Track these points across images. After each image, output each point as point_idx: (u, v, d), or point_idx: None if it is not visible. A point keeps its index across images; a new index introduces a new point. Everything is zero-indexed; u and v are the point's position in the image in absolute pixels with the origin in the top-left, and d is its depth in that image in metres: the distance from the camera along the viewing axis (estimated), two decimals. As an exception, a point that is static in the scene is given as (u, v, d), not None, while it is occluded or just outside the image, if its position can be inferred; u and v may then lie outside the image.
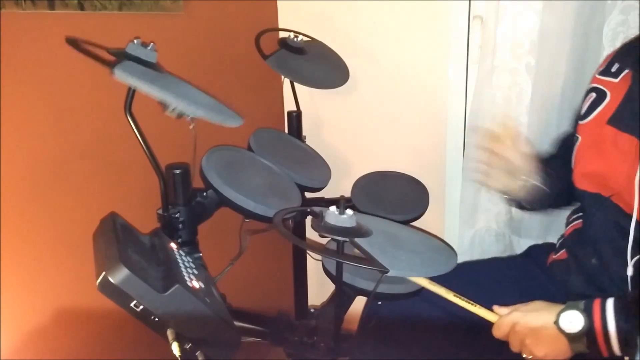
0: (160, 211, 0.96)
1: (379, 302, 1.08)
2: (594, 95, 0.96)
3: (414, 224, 1.31)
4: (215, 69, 1.34)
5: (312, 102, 1.67)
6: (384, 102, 1.62)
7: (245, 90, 1.50)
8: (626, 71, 0.91)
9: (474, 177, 1.00)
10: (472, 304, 0.88)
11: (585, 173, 0.96)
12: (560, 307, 0.81)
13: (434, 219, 1.55)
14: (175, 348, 0.69)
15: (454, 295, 0.88)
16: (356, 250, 0.79)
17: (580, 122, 0.98)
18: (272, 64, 1.34)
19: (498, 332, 0.86)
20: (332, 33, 1.57)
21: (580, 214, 1.03)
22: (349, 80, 1.52)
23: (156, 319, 0.70)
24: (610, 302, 0.79)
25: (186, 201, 0.97)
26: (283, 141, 1.42)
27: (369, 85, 1.61)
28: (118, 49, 0.87)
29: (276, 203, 1.01)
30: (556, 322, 0.80)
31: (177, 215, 0.96)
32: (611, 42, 1.34)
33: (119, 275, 0.66)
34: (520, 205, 1.09)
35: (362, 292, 0.94)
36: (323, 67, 1.49)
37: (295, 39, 1.42)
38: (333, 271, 0.88)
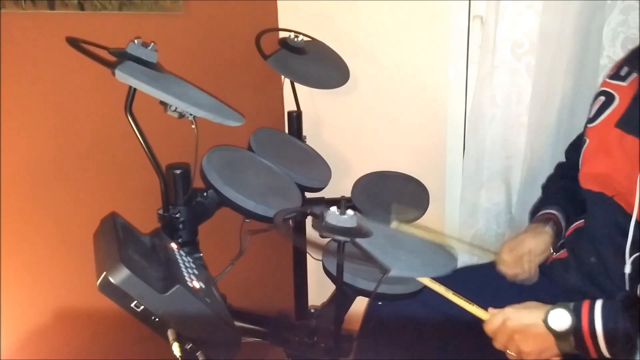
0: (160, 211, 0.96)
1: (379, 303, 1.08)
2: (603, 98, 0.97)
3: (414, 224, 1.31)
4: (215, 69, 1.34)
5: (312, 102, 1.67)
6: (384, 102, 1.62)
7: (245, 90, 1.50)
8: (634, 75, 0.92)
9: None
10: (470, 303, 0.88)
11: (591, 174, 0.97)
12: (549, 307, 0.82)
13: (434, 219, 1.55)
14: (175, 348, 0.69)
15: (453, 294, 0.88)
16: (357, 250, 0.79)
17: (589, 125, 0.99)
18: (272, 64, 1.34)
19: (489, 326, 0.87)
20: (332, 33, 1.57)
21: (582, 214, 1.04)
22: (349, 80, 1.52)
23: (157, 319, 0.70)
24: (599, 303, 0.79)
25: (186, 201, 0.97)
26: (283, 141, 1.42)
27: (369, 85, 1.61)
28: (119, 49, 0.87)
29: (276, 203, 1.01)
30: (544, 320, 0.81)
31: (177, 216, 0.96)
32: (611, 42, 1.35)
33: (120, 276, 0.66)
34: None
35: (363, 292, 0.94)
36: (323, 67, 1.49)
37: (295, 39, 1.42)
38: (333, 271, 0.88)
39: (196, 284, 0.77)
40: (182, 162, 0.97)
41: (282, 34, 1.50)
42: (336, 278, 0.86)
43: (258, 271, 1.64)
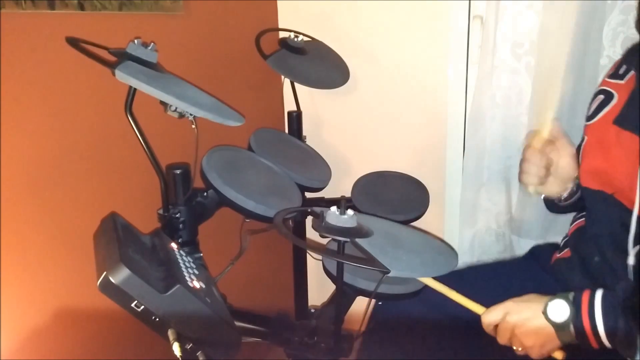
0: (160, 211, 0.96)
1: (380, 303, 1.08)
2: (601, 97, 0.97)
3: (414, 224, 1.31)
4: (215, 69, 1.34)
5: (312, 102, 1.67)
6: (384, 102, 1.62)
7: (245, 90, 1.50)
8: (632, 72, 0.92)
9: (524, 180, 1.02)
10: (469, 301, 0.88)
11: (590, 170, 0.97)
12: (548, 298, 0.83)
13: (434, 219, 1.55)
14: (176, 348, 0.69)
15: (452, 292, 0.88)
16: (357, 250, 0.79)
17: (587, 123, 0.99)
18: (272, 64, 1.34)
19: (486, 319, 0.87)
20: (332, 33, 1.57)
21: (584, 212, 1.04)
22: (349, 80, 1.52)
23: (157, 319, 0.70)
24: (599, 294, 0.80)
25: (186, 201, 0.97)
26: (283, 141, 1.42)
27: (369, 85, 1.62)
28: (118, 49, 0.87)
29: (276, 203, 1.01)
30: (544, 311, 0.81)
31: (177, 216, 0.96)
32: (611, 42, 1.35)
33: (120, 275, 0.66)
34: (553, 206, 1.10)
35: (363, 292, 0.94)
36: (323, 67, 1.49)
37: (295, 39, 1.42)
38: (333, 271, 0.88)
39: (196, 284, 0.77)
40: (182, 162, 0.97)
41: (282, 34, 1.50)
42: (336, 278, 0.86)
43: (258, 271, 1.64)
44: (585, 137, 0.99)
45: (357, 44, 1.59)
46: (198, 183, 0.99)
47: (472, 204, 1.54)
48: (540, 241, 1.34)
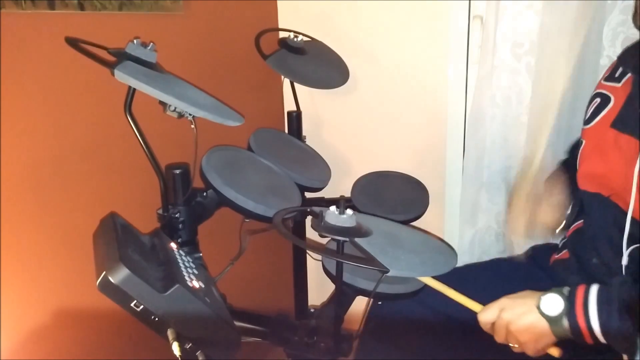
0: (160, 211, 0.96)
1: (379, 302, 1.08)
2: (598, 100, 0.97)
3: (414, 224, 1.31)
4: (215, 69, 1.34)
5: (312, 102, 1.67)
6: (384, 102, 1.62)
7: (245, 90, 1.50)
8: (628, 75, 0.92)
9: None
10: (469, 300, 0.88)
11: (587, 174, 0.97)
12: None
13: (434, 219, 1.55)
14: (175, 348, 0.69)
15: (450, 290, 0.88)
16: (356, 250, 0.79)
17: (585, 127, 0.99)
18: (272, 64, 1.34)
19: (482, 317, 0.87)
20: (332, 33, 1.57)
21: (580, 215, 1.04)
22: (349, 80, 1.52)
23: (156, 319, 0.70)
24: (594, 289, 0.80)
25: (186, 201, 0.97)
26: (283, 141, 1.42)
27: (369, 85, 1.62)
28: (118, 49, 0.87)
29: (276, 203, 1.01)
30: (538, 306, 0.81)
31: (177, 215, 0.96)
32: (611, 42, 1.35)
33: (119, 275, 0.66)
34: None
35: (362, 292, 0.94)
36: (323, 67, 1.49)
37: (295, 39, 1.42)
38: (333, 271, 0.88)
39: (196, 284, 0.77)
40: (181, 162, 0.97)
41: (282, 34, 1.50)
42: (336, 278, 0.86)
43: (258, 271, 1.64)
44: (583, 141, 0.99)
45: (357, 44, 1.59)
46: (198, 183, 0.99)
47: (472, 204, 1.54)
48: (540, 241, 1.34)
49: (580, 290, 0.81)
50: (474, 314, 0.89)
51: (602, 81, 1.00)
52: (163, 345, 0.71)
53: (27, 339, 0.85)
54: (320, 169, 1.38)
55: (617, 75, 0.96)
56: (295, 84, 1.51)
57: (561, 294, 0.81)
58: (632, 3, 1.27)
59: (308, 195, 1.31)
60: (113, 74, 0.80)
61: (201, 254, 0.99)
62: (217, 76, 1.35)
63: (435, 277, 0.89)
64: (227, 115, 0.93)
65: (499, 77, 1.45)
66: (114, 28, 0.99)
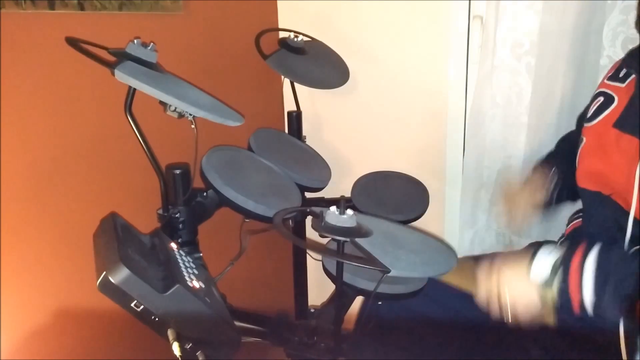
0: (160, 211, 0.96)
1: (379, 302, 1.08)
2: (601, 99, 0.97)
3: (414, 224, 1.31)
4: (215, 69, 1.34)
5: (312, 102, 1.67)
6: (384, 102, 1.62)
7: (245, 90, 1.50)
8: (633, 76, 0.92)
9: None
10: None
11: (588, 172, 0.97)
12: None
13: (434, 219, 1.55)
14: (175, 348, 0.69)
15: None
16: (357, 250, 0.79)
17: (586, 125, 0.99)
18: (272, 64, 1.34)
19: (483, 290, 0.88)
20: (332, 33, 1.57)
21: (581, 213, 1.04)
22: (349, 80, 1.52)
23: (156, 319, 0.70)
24: (591, 260, 0.80)
25: (186, 201, 0.97)
26: (283, 141, 1.42)
27: (369, 85, 1.61)
28: (118, 49, 0.87)
29: (276, 203, 1.01)
30: (533, 254, 0.83)
31: (177, 215, 0.96)
32: (611, 42, 1.35)
33: (120, 275, 0.66)
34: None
35: (363, 292, 0.94)
36: (323, 67, 1.49)
37: (295, 39, 1.42)
38: (333, 271, 0.88)
39: (196, 284, 0.77)
40: (182, 162, 0.97)
41: (282, 34, 1.50)
42: (336, 278, 0.86)
43: (258, 271, 1.64)
44: (584, 139, 0.99)
45: (357, 44, 1.59)
46: (198, 183, 0.99)
47: (472, 204, 1.54)
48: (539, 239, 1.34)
49: (576, 260, 0.81)
50: (474, 314, 0.89)
51: (606, 80, 1.00)
52: (163, 346, 0.71)
53: (27, 339, 0.85)
54: (320, 169, 1.38)
55: (621, 75, 0.96)
56: (295, 84, 1.51)
57: (554, 267, 0.81)
58: (632, 3, 1.27)
59: (308, 195, 1.31)
60: (113, 74, 0.80)
61: (201, 254, 0.99)
62: (217, 76, 1.35)
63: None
64: (227, 115, 0.93)
65: (499, 77, 1.45)
66: (114, 28, 0.99)
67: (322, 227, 0.79)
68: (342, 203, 0.80)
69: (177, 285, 0.71)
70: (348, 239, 0.79)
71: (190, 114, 0.87)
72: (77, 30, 0.89)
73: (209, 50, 1.31)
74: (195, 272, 0.81)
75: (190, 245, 0.99)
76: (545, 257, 0.83)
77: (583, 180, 0.99)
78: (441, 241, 1.01)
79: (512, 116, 1.48)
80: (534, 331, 0.86)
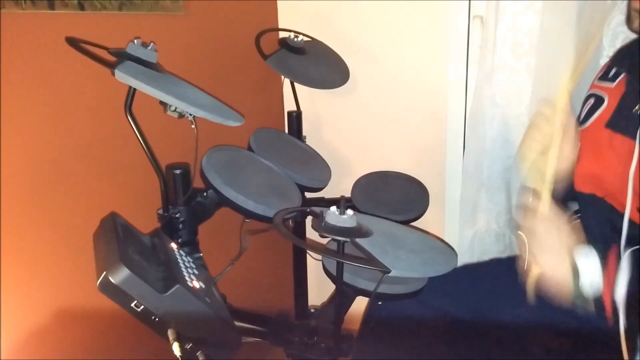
0: (160, 211, 0.96)
1: (379, 303, 1.08)
2: (592, 100, 0.97)
3: (414, 224, 1.31)
4: (215, 69, 1.34)
5: (312, 102, 1.67)
6: (384, 102, 1.62)
7: (245, 90, 1.50)
8: (622, 75, 0.92)
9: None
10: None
11: (582, 175, 0.97)
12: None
13: (434, 219, 1.55)
14: (175, 348, 0.69)
15: None
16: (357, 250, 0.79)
17: (579, 128, 0.99)
18: (272, 64, 1.34)
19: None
20: (332, 33, 1.57)
21: (578, 214, 1.04)
22: (349, 80, 1.52)
23: (157, 319, 0.70)
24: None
25: (186, 201, 0.97)
26: (283, 141, 1.42)
27: (369, 85, 1.62)
28: (118, 49, 0.87)
29: (276, 203, 1.01)
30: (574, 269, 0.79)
31: (177, 215, 0.96)
32: (611, 42, 1.35)
33: (120, 275, 0.66)
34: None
35: (363, 292, 0.94)
36: (323, 67, 1.49)
37: (295, 39, 1.42)
38: (333, 271, 0.88)
39: (196, 284, 0.77)
40: (182, 162, 0.97)
41: (282, 34, 1.50)
42: (336, 278, 0.86)
43: (258, 271, 1.64)
44: (578, 143, 0.99)
45: (357, 44, 1.59)
46: (198, 183, 0.99)
47: (472, 204, 1.54)
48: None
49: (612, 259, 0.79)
50: (474, 314, 0.89)
51: (596, 82, 1.00)
52: (163, 346, 0.71)
53: (27, 339, 0.85)
54: (320, 169, 1.38)
55: (610, 75, 0.96)
56: (295, 84, 1.51)
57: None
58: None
59: (308, 195, 1.31)
60: (113, 74, 0.80)
61: (201, 254, 0.99)
62: (217, 76, 1.35)
63: (436, 277, 0.89)
64: (227, 115, 0.93)
65: (499, 77, 1.45)
66: (114, 28, 0.99)
67: (323, 227, 0.79)
68: (342, 203, 0.80)
69: (177, 286, 0.70)
70: (348, 239, 0.79)
71: (190, 114, 0.87)
72: (77, 30, 0.89)
73: (209, 50, 1.30)
74: (195, 272, 0.81)
75: (190, 245, 0.99)
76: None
77: (578, 183, 0.99)
78: (441, 241, 1.01)
79: (512, 116, 1.48)
80: (534, 331, 0.86)
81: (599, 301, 0.77)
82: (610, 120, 0.91)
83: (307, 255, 1.65)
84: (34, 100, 0.84)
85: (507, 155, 1.51)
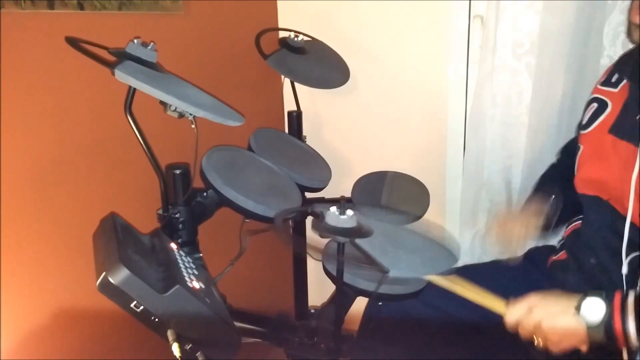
0: (160, 211, 0.96)
1: (380, 303, 1.08)
2: (595, 105, 0.98)
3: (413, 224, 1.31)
4: (215, 69, 1.34)
5: (312, 102, 1.67)
6: (384, 102, 1.62)
7: (245, 90, 1.50)
8: (625, 81, 0.92)
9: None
10: (484, 297, 0.86)
11: (586, 179, 0.98)
12: (579, 295, 0.80)
13: (434, 219, 1.55)
14: (175, 349, 0.69)
15: (464, 288, 0.87)
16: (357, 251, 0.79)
17: (582, 132, 0.99)
18: (272, 63, 1.34)
19: (512, 315, 0.84)
20: (332, 33, 1.57)
21: (580, 215, 1.04)
22: (349, 80, 1.52)
23: (156, 320, 0.70)
24: (632, 295, 0.78)
25: (186, 201, 0.97)
26: (283, 141, 1.41)
27: (369, 85, 1.61)
28: (118, 49, 0.87)
29: (276, 203, 1.01)
30: (577, 308, 0.78)
31: (177, 216, 0.96)
32: (611, 42, 1.35)
33: (119, 276, 0.66)
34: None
35: (363, 292, 0.94)
36: (323, 67, 1.49)
37: (295, 39, 1.42)
38: (333, 272, 0.88)
39: (196, 284, 0.77)
40: (182, 162, 0.97)
41: (282, 34, 1.50)
42: (336, 278, 0.86)
43: (258, 271, 1.64)
44: (581, 147, 1.00)
45: (357, 44, 1.58)
46: (198, 183, 0.99)
47: (472, 204, 1.54)
48: (540, 243, 1.34)
49: (618, 297, 0.78)
50: (474, 314, 0.89)
51: (599, 86, 1.00)
52: (163, 346, 0.71)
53: (27, 339, 0.85)
54: (320, 169, 1.38)
55: (613, 80, 0.96)
56: (296, 84, 1.51)
57: (602, 298, 0.78)
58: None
59: (308, 195, 1.31)
60: (113, 74, 0.79)
61: (201, 254, 0.99)
62: (217, 76, 1.35)
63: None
64: (227, 115, 0.92)
65: (499, 77, 1.46)
66: (114, 28, 0.99)
67: (323, 227, 0.79)
68: (342, 203, 0.80)
69: (177, 286, 0.70)
70: (348, 240, 0.78)
71: (191, 114, 0.87)
72: (77, 30, 0.89)
73: (208, 50, 1.30)
74: (195, 272, 0.81)
75: (190, 246, 0.99)
76: (598, 298, 0.79)
77: (581, 187, 0.99)
78: (443, 237, 1.01)
79: (512, 116, 1.48)
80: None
81: (610, 332, 0.76)
82: (614, 126, 0.91)
83: (307, 255, 1.65)
84: (33, 100, 0.84)
85: (507, 155, 1.51)
